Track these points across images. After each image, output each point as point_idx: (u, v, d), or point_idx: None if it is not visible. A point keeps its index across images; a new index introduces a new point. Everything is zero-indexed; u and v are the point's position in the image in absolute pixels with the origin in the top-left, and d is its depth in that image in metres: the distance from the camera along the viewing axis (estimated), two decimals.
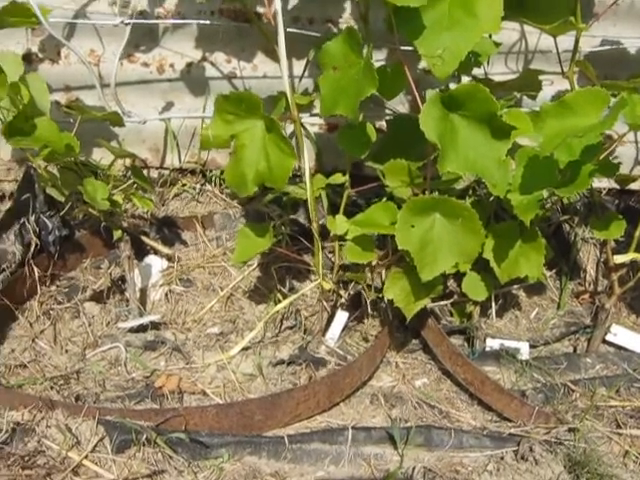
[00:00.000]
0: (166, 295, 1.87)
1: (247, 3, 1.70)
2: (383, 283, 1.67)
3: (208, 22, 1.85)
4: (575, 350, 1.89)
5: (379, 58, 1.93)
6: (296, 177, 1.80)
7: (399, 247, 1.44)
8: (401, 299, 1.57)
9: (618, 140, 1.54)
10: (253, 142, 1.46)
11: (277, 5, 1.46)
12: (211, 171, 2.08)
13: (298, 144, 1.59)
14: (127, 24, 1.73)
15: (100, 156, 2.00)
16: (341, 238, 1.68)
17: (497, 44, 1.68)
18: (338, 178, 1.67)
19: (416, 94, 1.49)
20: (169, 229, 2.01)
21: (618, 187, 2.10)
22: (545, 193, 1.51)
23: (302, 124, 1.90)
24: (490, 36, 1.74)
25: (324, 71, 1.52)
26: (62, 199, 1.75)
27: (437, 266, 1.45)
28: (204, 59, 1.98)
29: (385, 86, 1.57)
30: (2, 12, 1.58)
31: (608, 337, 1.86)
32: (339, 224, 1.63)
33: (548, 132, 1.41)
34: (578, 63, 1.77)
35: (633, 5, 1.94)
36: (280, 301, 1.76)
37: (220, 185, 2.08)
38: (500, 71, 2.01)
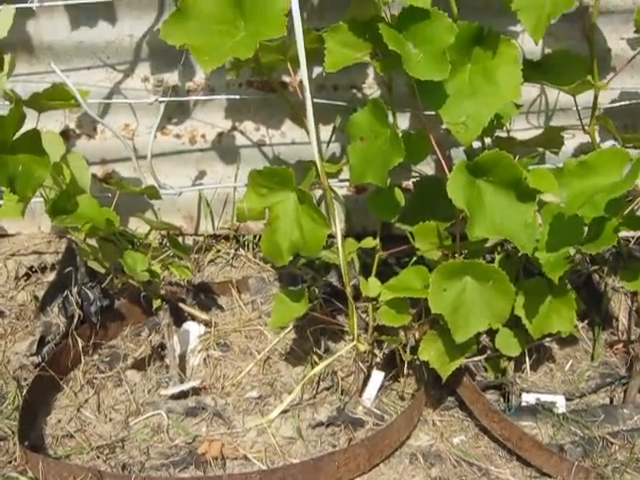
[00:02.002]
0: (204, 360, 1.92)
1: (273, 74, 1.78)
2: (417, 342, 1.70)
3: (237, 97, 1.93)
4: (612, 401, 1.89)
5: (403, 121, 1.99)
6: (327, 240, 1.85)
7: (432, 311, 1.48)
8: (436, 360, 1.60)
9: None
10: (286, 214, 1.51)
11: (304, 76, 1.52)
12: (244, 236, 2.15)
13: (329, 210, 1.64)
14: (161, 102, 1.82)
15: (136, 225, 2.07)
16: (374, 299, 1.72)
17: (518, 106, 1.72)
18: (369, 242, 1.72)
19: (440, 157, 1.55)
20: (205, 295, 2.07)
21: None
22: (572, 250, 1.54)
23: (332, 188, 1.97)
24: None
25: (352, 141, 1.58)
26: (103, 270, 1.81)
27: (470, 328, 1.49)
28: (234, 128, 2.06)
29: (410, 152, 1.62)
30: (43, 96, 1.66)
31: None
32: (372, 287, 1.67)
33: (572, 192, 1.45)
34: (598, 118, 1.82)
35: None
36: (316, 363, 1.80)
37: (253, 249, 2.14)
38: (522, 127, 2.05)
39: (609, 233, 1.51)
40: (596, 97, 1.74)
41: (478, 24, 1.49)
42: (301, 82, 1.52)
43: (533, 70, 1.72)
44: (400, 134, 1.50)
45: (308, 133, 1.55)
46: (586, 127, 1.79)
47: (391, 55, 1.42)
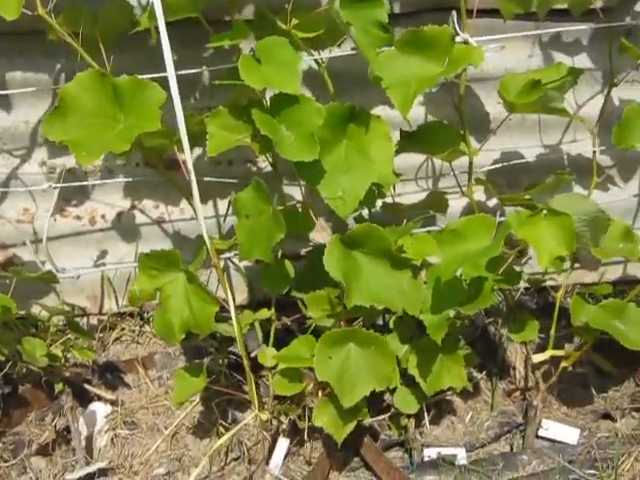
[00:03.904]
0: (112, 440, 1.92)
1: (163, 156, 1.83)
2: None
3: (130, 179, 1.98)
4: (512, 449, 1.97)
5: (297, 191, 2.06)
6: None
7: (318, 379, 1.53)
8: (330, 425, 1.65)
9: (514, 253, 1.67)
10: (176, 293, 1.56)
11: (188, 160, 1.58)
12: (148, 312, 2.17)
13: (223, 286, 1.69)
14: (55, 188, 1.85)
15: (39, 309, 2.07)
16: (274, 368, 1.77)
17: (398, 175, 1.81)
18: (264, 313, 1.78)
19: (319, 228, 1.63)
20: (111, 373, 2.07)
21: None
22: (451, 312, 1.62)
23: (232, 260, 2.03)
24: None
25: (239, 219, 1.64)
26: (2, 358, 1.80)
27: (356, 393, 1.55)
28: (133, 207, 2.09)
29: (298, 224, 1.71)
30: None
31: (540, 432, 1.95)
32: (268, 357, 1.72)
33: (446, 258, 1.54)
34: (477, 181, 1.94)
35: (524, 119, 2.12)
36: (223, 435, 1.82)
37: None
38: (412, 190, 2.16)
39: (487, 293, 1.60)
40: (471, 162, 1.85)
41: (349, 104, 1.58)
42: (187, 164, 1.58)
43: (409, 140, 1.82)
44: (282, 208, 1.57)
45: (196, 214, 1.61)
46: (465, 191, 1.90)
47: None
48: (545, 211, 1.47)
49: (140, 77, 1.51)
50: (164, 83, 1.52)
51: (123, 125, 1.44)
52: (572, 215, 1.47)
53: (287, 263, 1.73)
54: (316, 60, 1.74)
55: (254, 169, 2.09)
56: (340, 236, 1.48)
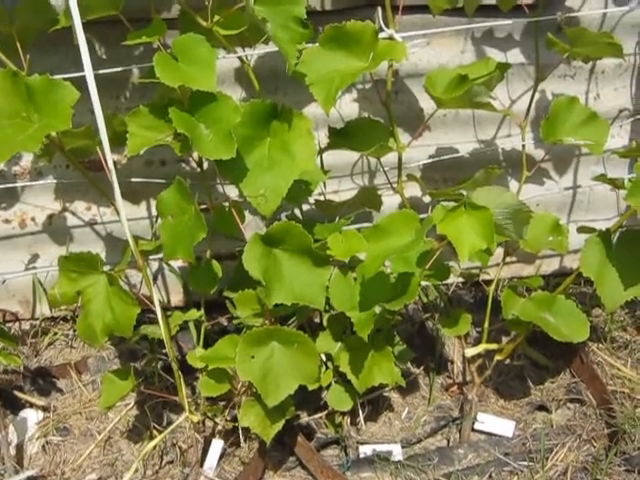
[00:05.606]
0: (43, 447, 1.88)
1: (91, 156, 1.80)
2: None
3: (60, 181, 1.95)
4: (448, 443, 1.97)
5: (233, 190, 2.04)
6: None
7: (241, 379, 1.52)
8: (257, 425, 1.64)
9: (441, 247, 1.67)
10: (97, 296, 1.53)
11: (109, 160, 1.55)
12: None
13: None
14: None
15: None
16: (204, 369, 1.75)
17: (326, 172, 1.81)
18: (193, 314, 1.76)
19: (242, 228, 1.62)
20: (43, 379, 2.04)
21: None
22: (377, 309, 1.61)
23: (165, 261, 2.01)
24: (322, 163, 1.89)
25: (163, 219, 1.62)
26: None
27: (280, 391, 1.54)
28: (64, 209, 2.06)
29: (225, 224, 1.70)
30: None
31: (477, 426, 1.96)
32: (197, 358, 1.70)
33: (370, 254, 1.53)
34: (409, 176, 1.94)
35: (458, 115, 2.13)
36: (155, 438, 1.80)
37: None
38: (348, 187, 2.16)
39: (413, 287, 1.60)
40: (400, 158, 1.84)
41: (271, 101, 1.57)
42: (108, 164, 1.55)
43: (337, 137, 1.82)
44: (205, 208, 1.56)
45: (118, 214, 1.58)
46: (395, 188, 1.89)
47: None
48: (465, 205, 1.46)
49: (56, 77, 1.48)
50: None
51: (38, 125, 1.40)
52: (493, 208, 1.47)
53: (215, 263, 1.71)
54: (240, 58, 1.72)
55: (187, 169, 2.07)
56: (260, 234, 1.46)
